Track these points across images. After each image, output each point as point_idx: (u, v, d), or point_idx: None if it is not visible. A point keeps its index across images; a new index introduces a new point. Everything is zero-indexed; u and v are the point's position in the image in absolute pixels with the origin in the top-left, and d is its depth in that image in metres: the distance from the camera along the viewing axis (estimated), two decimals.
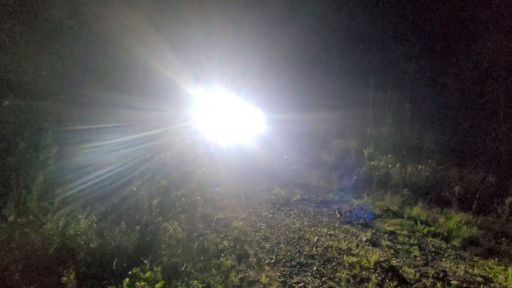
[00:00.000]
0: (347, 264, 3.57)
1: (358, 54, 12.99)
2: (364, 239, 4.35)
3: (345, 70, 13.37)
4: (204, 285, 2.95)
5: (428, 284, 3.26)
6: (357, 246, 4.10)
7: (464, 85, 10.87)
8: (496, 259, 3.97)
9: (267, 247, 3.95)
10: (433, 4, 11.54)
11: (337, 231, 4.62)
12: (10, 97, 4.74)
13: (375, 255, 3.75)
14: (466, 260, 3.99)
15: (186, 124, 8.05)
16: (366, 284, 3.17)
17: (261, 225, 4.71)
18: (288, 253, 3.80)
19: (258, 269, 3.39)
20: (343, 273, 3.37)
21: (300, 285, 3.11)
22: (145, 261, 2.71)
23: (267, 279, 3.17)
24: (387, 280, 3.25)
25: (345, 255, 3.77)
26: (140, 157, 5.24)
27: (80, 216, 3.27)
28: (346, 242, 4.20)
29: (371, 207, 5.79)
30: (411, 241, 4.46)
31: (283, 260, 3.62)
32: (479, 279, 3.48)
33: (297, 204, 5.93)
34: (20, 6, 5.61)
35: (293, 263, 3.57)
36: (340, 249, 3.98)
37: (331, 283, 3.18)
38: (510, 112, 9.46)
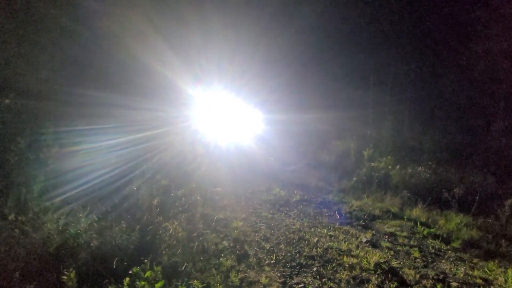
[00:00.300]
0: (347, 265, 3.57)
1: (358, 55, 13.02)
2: (364, 240, 4.35)
3: (345, 70, 13.40)
4: (204, 285, 2.95)
5: (428, 285, 3.26)
6: (357, 247, 4.10)
7: (464, 86, 10.91)
8: (496, 261, 3.98)
9: (267, 248, 3.95)
10: (433, 5, 11.58)
11: (337, 232, 4.62)
12: (11, 97, 4.75)
13: (375, 257, 3.75)
14: (466, 262, 3.99)
15: (185, 124, 8.06)
16: (366, 285, 3.17)
17: (261, 226, 4.71)
18: (288, 254, 3.80)
19: (258, 269, 3.39)
20: (343, 274, 3.37)
21: (300, 286, 3.11)
22: (145, 261, 2.71)
23: (267, 280, 3.17)
24: (387, 282, 3.25)
25: (345, 256, 3.78)
26: (140, 157, 5.25)
27: (80, 215, 3.28)
28: (346, 243, 4.20)
29: (371, 208, 5.80)
30: (411, 242, 4.46)
31: (283, 261, 3.62)
32: (479, 281, 3.48)
33: (297, 205, 5.93)
34: (22, 8, 5.62)
35: (293, 263, 3.57)
36: (340, 250, 3.98)
37: (331, 284, 3.18)
38: (510, 113, 9.48)
